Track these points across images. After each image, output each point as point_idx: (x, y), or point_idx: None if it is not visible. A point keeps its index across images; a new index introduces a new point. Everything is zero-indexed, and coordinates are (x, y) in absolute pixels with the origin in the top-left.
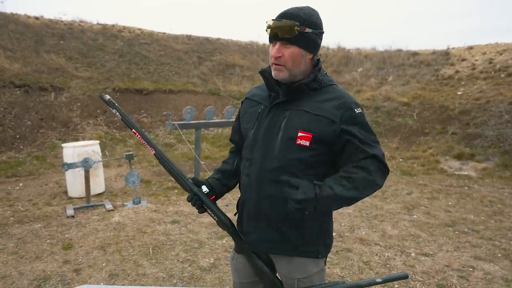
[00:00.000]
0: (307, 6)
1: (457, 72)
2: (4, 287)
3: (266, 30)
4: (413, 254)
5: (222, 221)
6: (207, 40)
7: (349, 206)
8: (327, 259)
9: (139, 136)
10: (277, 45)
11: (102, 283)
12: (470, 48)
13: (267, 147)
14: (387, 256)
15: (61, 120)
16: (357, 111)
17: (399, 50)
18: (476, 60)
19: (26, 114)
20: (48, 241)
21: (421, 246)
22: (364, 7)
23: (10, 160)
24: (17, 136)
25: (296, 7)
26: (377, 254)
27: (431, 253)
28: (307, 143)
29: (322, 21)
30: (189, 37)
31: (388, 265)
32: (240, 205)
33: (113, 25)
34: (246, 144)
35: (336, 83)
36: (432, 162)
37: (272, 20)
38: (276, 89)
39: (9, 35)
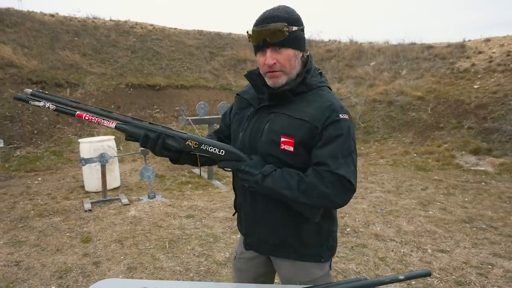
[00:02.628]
0: (282, 5)
1: (473, 65)
2: (28, 278)
3: (250, 40)
4: (429, 251)
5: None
6: (219, 35)
7: (295, 204)
8: (342, 255)
9: (88, 117)
10: (269, 52)
11: (121, 276)
12: (487, 40)
13: (253, 151)
14: (403, 252)
15: None
16: (341, 116)
17: (413, 43)
18: (494, 52)
19: (43, 110)
20: (67, 234)
21: (438, 242)
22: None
23: (29, 155)
24: (35, 132)
25: (272, 9)
26: (392, 250)
27: (448, 249)
28: (291, 149)
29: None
30: (200, 32)
31: (404, 261)
32: (238, 207)
33: (125, 21)
34: (236, 147)
35: (327, 84)
36: (447, 157)
37: (256, 27)
38: (264, 91)
39: (26, 33)
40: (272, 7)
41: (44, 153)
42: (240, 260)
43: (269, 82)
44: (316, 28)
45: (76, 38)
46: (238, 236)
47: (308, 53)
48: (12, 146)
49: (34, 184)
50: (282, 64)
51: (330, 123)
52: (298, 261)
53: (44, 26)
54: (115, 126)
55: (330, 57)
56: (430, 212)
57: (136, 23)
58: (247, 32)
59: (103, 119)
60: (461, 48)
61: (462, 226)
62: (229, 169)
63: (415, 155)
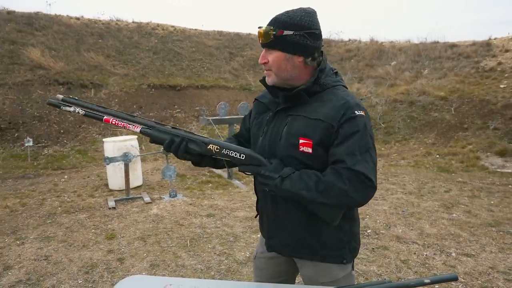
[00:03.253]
0: (299, 8)
1: (499, 64)
2: (57, 272)
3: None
4: (453, 254)
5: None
6: (238, 35)
7: (314, 205)
8: (363, 256)
9: (115, 121)
10: (263, 51)
11: (144, 273)
12: None
13: (273, 155)
14: (426, 255)
15: None
16: (357, 113)
17: (436, 42)
18: None
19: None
20: (92, 231)
21: (462, 246)
22: None
23: (56, 154)
24: (61, 131)
25: (286, 11)
26: (415, 253)
27: (473, 253)
28: (310, 150)
29: (314, 20)
30: (220, 33)
31: (427, 265)
32: (260, 210)
33: (147, 23)
34: (257, 151)
35: (342, 83)
36: (472, 158)
37: (258, 27)
38: (279, 95)
39: (54, 36)
40: (290, 9)
41: (70, 152)
42: (260, 259)
43: (266, 79)
44: (336, 28)
45: (100, 40)
46: (259, 235)
47: (321, 58)
48: (40, 145)
49: (60, 181)
50: (270, 64)
51: (345, 120)
52: (320, 262)
53: (70, 29)
54: (140, 131)
55: (350, 57)
56: (454, 215)
57: (158, 25)
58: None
59: (129, 124)
60: (486, 46)
61: (488, 230)
62: (249, 173)
63: (437, 156)
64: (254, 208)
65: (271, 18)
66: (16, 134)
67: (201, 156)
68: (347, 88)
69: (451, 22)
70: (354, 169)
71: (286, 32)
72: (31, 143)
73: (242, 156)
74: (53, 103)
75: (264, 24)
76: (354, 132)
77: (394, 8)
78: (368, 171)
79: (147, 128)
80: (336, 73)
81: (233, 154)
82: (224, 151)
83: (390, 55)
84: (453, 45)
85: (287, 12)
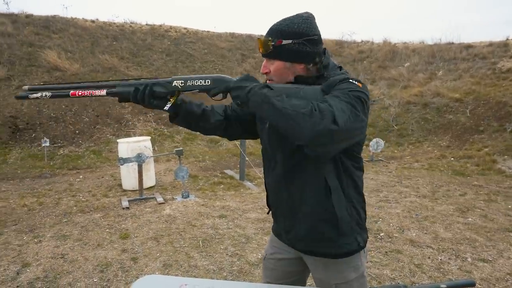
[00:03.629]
0: (296, 15)
1: None
2: (73, 270)
3: None
4: (469, 259)
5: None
6: (250, 37)
7: (279, 119)
8: (376, 260)
9: (80, 93)
10: (264, 61)
11: (157, 272)
12: None
13: (284, 147)
14: (441, 259)
15: (114, 116)
16: (351, 81)
17: (450, 43)
18: None
19: (84, 111)
20: (107, 230)
21: (479, 251)
22: None
23: (71, 154)
24: (77, 132)
25: (283, 19)
26: (429, 257)
27: (490, 259)
28: None
29: (312, 26)
30: (232, 35)
31: (442, 269)
32: (272, 204)
33: (160, 25)
34: (264, 145)
35: (348, 75)
36: (488, 162)
37: (257, 37)
38: None
39: (70, 38)
40: (287, 16)
41: (84, 152)
42: (269, 260)
43: None
44: (348, 29)
45: (114, 43)
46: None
47: (322, 63)
48: (56, 145)
49: (76, 181)
50: (272, 74)
51: (338, 84)
52: (332, 264)
53: (85, 31)
54: (106, 93)
55: (362, 58)
56: (470, 219)
57: (171, 27)
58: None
59: (94, 90)
60: (504, 47)
61: (506, 235)
62: (220, 98)
63: (452, 159)
64: (266, 210)
65: (269, 29)
66: (34, 135)
67: (171, 104)
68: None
69: (467, 22)
70: (328, 102)
71: (284, 42)
72: (47, 144)
73: (208, 82)
74: (21, 96)
75: (264, 32)
76: (341, 89)
77: (407, 8)
78: (337, 114)
79: (111, 88)
80: (340, 67)
81: (199, 83)
82: (189, 83)
83: (403, 57)
84: (468, 46)
85: (284, 20)
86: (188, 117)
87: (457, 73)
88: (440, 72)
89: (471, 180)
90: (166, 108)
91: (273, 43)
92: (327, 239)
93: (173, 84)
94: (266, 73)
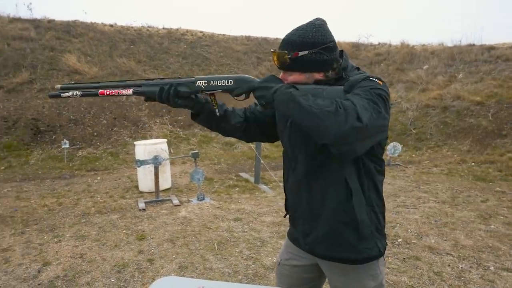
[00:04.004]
0: (308, 23)
1: None
2: (91, 270)
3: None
4: (492, 268)
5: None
6: (266, 40)
7: (304, 118)
8: (394, 266)
9: (108, 92)
10: (281, 74)
11: (173, 274)
12: None
13: (307, 147)
14: (461, 267)
15: (131, 119)
16: (372, 79)
17: (471, 45)
18: None
19: (102, 114)
20: (124, 231)
21: (502, 260)
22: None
23: (90, 156)
24: (95, 134)
25: (295, 29)
26: (449, 265)
27: None
28: None
29: (327, 33)
30: (248, 38)
31: (462, 278)
32: (291, 207)
33: (177, 29)
34: (285, 147)
35: (367, 74)
36: (511, 167)
37: (271, 50)
38: None
39: (89, 42)
40: (305, 23)
41: (102, 154)
42: (284, 266)
43: None
44: (365, 31)
45: (132, 46)
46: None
47: (339, 67)
48: (75, 147)
49: (94, 182)
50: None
51: (361, 81)
52: (351, 270)
53: (104, 35)
54: (133, 92)
55: (379, 61)
56: (492, 226)
57: (187, 31)
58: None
59: (121, 89)
60: None
61: None
62: (244, 95)
63: (473, 164)
64: (281, 213)
65: (282, 40)
66: (54, 136)
67: (195, 102)
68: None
69: (489, 23)
70: (351, 100)
71: (301, 53)
72: (67, 145)
73: (230, 82)
74: (54, 95)
75: (280, 36)
76: (363, 86)
77: (425, 10)
78: (360, 111)
79: (137, 87)
80: (358, 68)
81: (222, 83)
82: (212, 83)
83: (422, 59)
84: (490, 48)
85: (297, 30)
86: (211, 117)
87: (478, 76)
88: (461, 74)
89: (493, 186)
90: (217, 112)
91: (289, 56)
92: (347, 243)
93: (197, 84)
94: None
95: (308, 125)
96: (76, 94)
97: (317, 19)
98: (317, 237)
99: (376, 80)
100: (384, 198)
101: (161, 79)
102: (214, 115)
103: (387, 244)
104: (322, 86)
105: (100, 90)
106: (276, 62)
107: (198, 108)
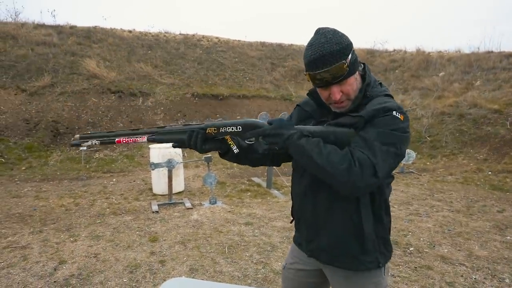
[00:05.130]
0: (329, 30)
1: None
2: (104, 270)
3: (310, 80)
4: (507, 280)
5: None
6: (280, 46)
7: (317, 173)
8: (405, 275)
9: (125, 140)
10: (334, 88)
11: (184, 276)
12: None
13: None
14: (475, 279)
15: (147, 122)
16: (395, 114)
17: (490, 52)
18: None
19: (119, 117)
20: (137, 232)
21: None
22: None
23: (106, 158)
24: None
25: (320, 44)
26: (462, 275)
27: None
28: None
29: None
30: (262, 44)
31: None
32: (296, 213)
33: (193, 35)
34: None
35: (388, 92)
36: None
37: (315, 72)
38: (328, 108)
39: (108, 47)
40: (317, 36)
41: (118, 157)
42: (289, 270)
43: (334, 109)
44: (381, 38)
45: (149, 51)
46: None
47: (363, 66)
48: (92, 149)
49: (109, 184)
50: (347, 93)
51: (381, 116)
52: (354, 276)
53: (123, 41)
54: (147, 139)
55: (394, 68)
56: (508, 237)
57: (203, 36)
58: (306, 73)
59: (136, 137)
60: None
61: None
62: (252, 141)
63: (490, 173)
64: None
65: (321, 55)
66: (72, 139)
67: (221, 143)
68: (392, 97)
69: (508, 29)
70: (367, 154)
71: (350, 57)
72: (85, 148)
73: (239, 128)
74: (75, 144)
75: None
76: (382, 125)
77: (442, 16)
78: (379, 165)
79: (151, 135)
80: (380, 84)
81: (230, 129)
82: (222, 130)
83: (438, 66)
84: (509, 55)
85: (330, 40)
86: (237, 153)
87: (496, 83)
88: (478, 82)
89: (511, 196)
90: (235, 151)
91: (346, 63)
92: (350, 255)
93: (207, 132)
94: (339, 99)
95: (322, 178)
96: (95, 143)
97: (323, 28)
98: (319, 245)
99: (399, 115)
100: (396, 206)
101: (171, 126)
102: (241, 150)
103: (390, 256)
104: (333, 128)
105: (116, 139)
106: (332, 78)
107: (225, 148)
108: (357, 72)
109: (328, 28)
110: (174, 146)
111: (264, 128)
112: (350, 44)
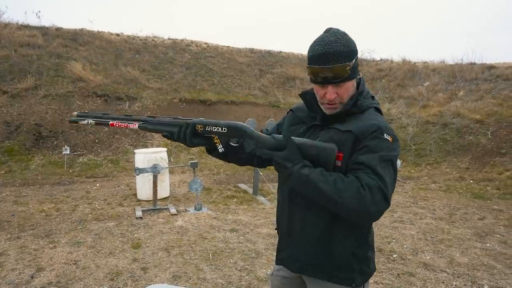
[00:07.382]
0: (338, 32)
1: None
2: (84, 277)
3: (310, 74)
4: (486, 287)
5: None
6: (269, 53)
7: (324, 203)
8: (388, 282)
9: (118, 124)
10: (330, 88)
11: (166, 283)
12: None
13: None
14: (455, 285)
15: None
16: (385, 136)
17: (472, 64)
18: None
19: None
20: (119, 239)
21: (496, 278)
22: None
23: (90, 162)
24: (96, 141)
25: (330, 41)
26: (443, 282)
27: (508, 287)
28: (339, 163)
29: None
30: (251, 50)
31: None
32: (277, 220)
33: (182, 40)
34: None
35: (378, 106)
36: (509, 185)
37: (319, 66)
38: (317, 111)
39: (95, 50)
40: (327, 34)
41: (103, 161)
42: (276, 277)
43: (325, 110)
44: (368, 47)
45: (137, 56)
46: None
47: (361, 76)
48: (76, 153)
49: (92, 189)
50: (341, 96)
51: (373, 138)
52: (328, 283)
53: (110, 44)
54: (138, 126)
55: (381, 77)
56: (488, 245)
57: (192, 41)
58: (309, 66)
59: (128, 123)
60: None
61: None
62: (238, 143)
63: (471, 181)
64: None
65: (327, 52)
66: (55, 142)
67: (210, 140)
68: (381, 112)
69: (490, 43)
70: (375, 179)
71: (354, 60)
72: (68, 151)
73: (224, 129)
74: (74, 120)
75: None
76: (378, 149)
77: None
78: (385, 185)
79: (142, 123)
80: (372, 97)
81: (216, 129)
82: (208, 128)
83: (423, 76)
84: (491, 67)
85: (339, 40)
86: (227, 150)
87: (478, 94)
88: (461, 92)
89: (491, 204)
90: (220, 150)
91: (349, 66)
92: (321, 269)
93: (196, 127)
94: (332, 99)
95: (330, 207)
96: (91, 122)
97: (332, 28)
98: (290, 255)
99: (388, 137)
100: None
101: (167, 116)
102: (230, 148)
103: (372, 274)
104: (312, 142)
105: (111, 122)
106: (332, 76)
107: (212, 145)
108: (354, 79)
109: (339, 29)
110: (164, 136)
111: (272, 154)
112: (355, 50)
